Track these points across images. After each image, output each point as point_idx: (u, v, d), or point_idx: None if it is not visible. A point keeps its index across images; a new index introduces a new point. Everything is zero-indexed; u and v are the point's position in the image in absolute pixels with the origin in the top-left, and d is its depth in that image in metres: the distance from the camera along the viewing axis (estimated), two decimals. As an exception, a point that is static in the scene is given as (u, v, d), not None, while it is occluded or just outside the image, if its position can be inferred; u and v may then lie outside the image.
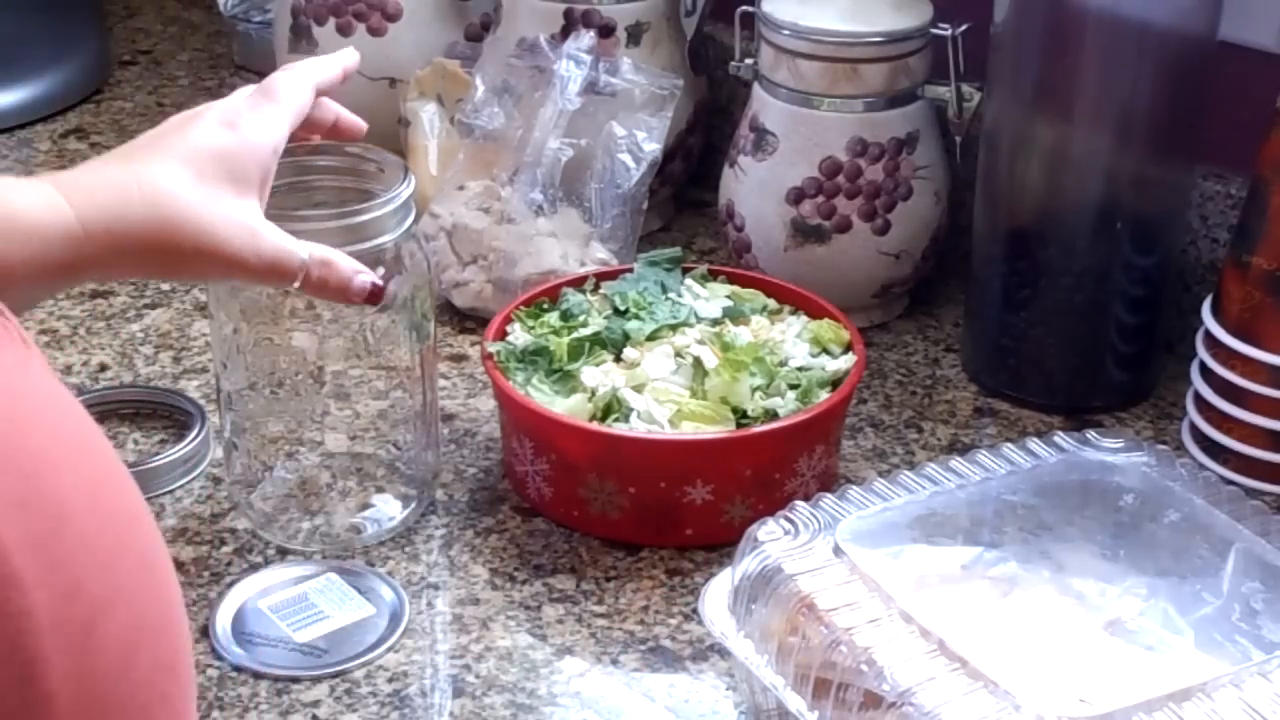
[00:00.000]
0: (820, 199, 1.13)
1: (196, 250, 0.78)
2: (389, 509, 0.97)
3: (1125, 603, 0.78)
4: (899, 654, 0.71)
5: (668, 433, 0.94)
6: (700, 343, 0.98)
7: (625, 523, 0.95)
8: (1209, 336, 1.00)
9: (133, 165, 0.78)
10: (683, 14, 1.27)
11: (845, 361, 0.99)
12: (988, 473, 0.84)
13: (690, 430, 0.94)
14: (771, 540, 0.78)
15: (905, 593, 0.75)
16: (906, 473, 0.84)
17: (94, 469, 0.49)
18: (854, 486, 0.83)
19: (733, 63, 1.18)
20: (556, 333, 1.00)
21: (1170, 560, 0.80)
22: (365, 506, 0.97)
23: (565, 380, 0.97)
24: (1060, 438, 0.86)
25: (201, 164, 0.78)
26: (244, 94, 0.84)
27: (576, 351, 0.98)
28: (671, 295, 1.03)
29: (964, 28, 1.10)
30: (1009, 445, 0.86)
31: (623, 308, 1.02)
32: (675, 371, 0.97)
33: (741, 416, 0.95)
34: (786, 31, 1.11)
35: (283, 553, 0.95)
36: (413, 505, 0.97)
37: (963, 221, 1.15)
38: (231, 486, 0.98)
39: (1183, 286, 1.10)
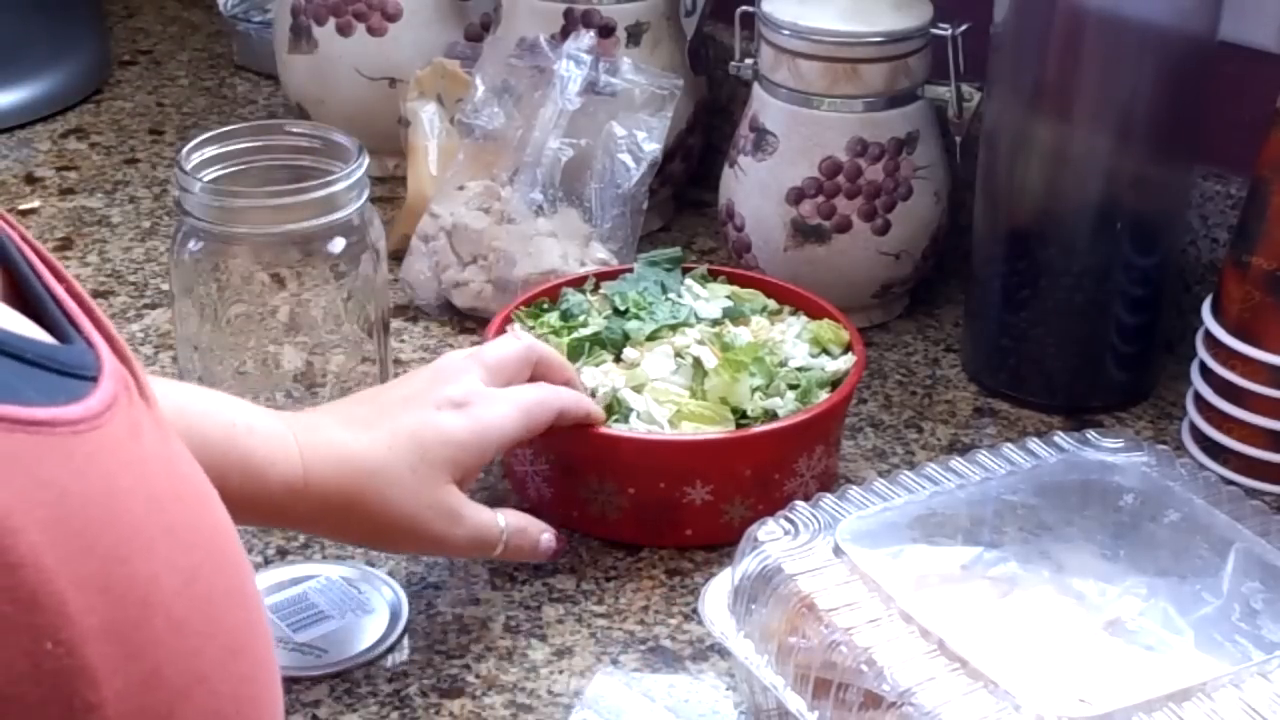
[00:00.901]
0: (820, 199, 1.13)
1: (401, 531, 0.84)
2: None
3: (1125, 603, 0.78)
4: (899, 654, 0.71)
5: (667, 433, 0.93)
6: (700, 343, 0.98)
7: (625, 523, 0.94)
8: (1209, 336, 1.00)
9: (364, 437, 0.82)
10: (683, 14, 1.27)
11: (845, 362, 0.98)
12: (988, 473, 0.84)
13: (690, 431, 0.94)
14: (771, 540, 0.78)
15: (905, 593, 0.75)
16: (906, 473, 0.84)
17: (195, 546, 0.47)
18: (854, 486, 0.83)
19: (733, 63, 1.18)
20: (556, 333, 1.00)
21: (1170, 560, 0.80)
22: None
23: None
24: (1060, 438, 0.86)
25: (429, 452, 0.83)
26: (495, 368, 0.88)
27: (576, 351, 0.98)
28: (671, 295, 1.03)
29: (964, 28, 1.10)
30: (1009, 445, 0.86)
31: (623, 308, 1.02)
32: (675, 372, 0.97)
33: (741, 417, 0.95)
34: (786, 31, 1.11)
35: (282, 553, 0.95)
36: None
37: (963, 221, 1.15)
38: None
39: (1183, 286, 1.10)
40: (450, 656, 0.87)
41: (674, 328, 1.00)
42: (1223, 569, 0.79)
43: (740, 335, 0.99)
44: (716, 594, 0.81)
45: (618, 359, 0.99)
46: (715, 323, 1.01)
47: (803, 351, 1.00)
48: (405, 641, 0.88)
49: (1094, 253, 1.05)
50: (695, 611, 0.87)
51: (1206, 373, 1.01)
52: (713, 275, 1.07)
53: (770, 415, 0.94)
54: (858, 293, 1.16)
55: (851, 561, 0.77)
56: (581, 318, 1.01)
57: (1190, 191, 1.08)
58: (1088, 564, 0.81)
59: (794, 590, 0.76)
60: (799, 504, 0.80)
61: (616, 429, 0.94)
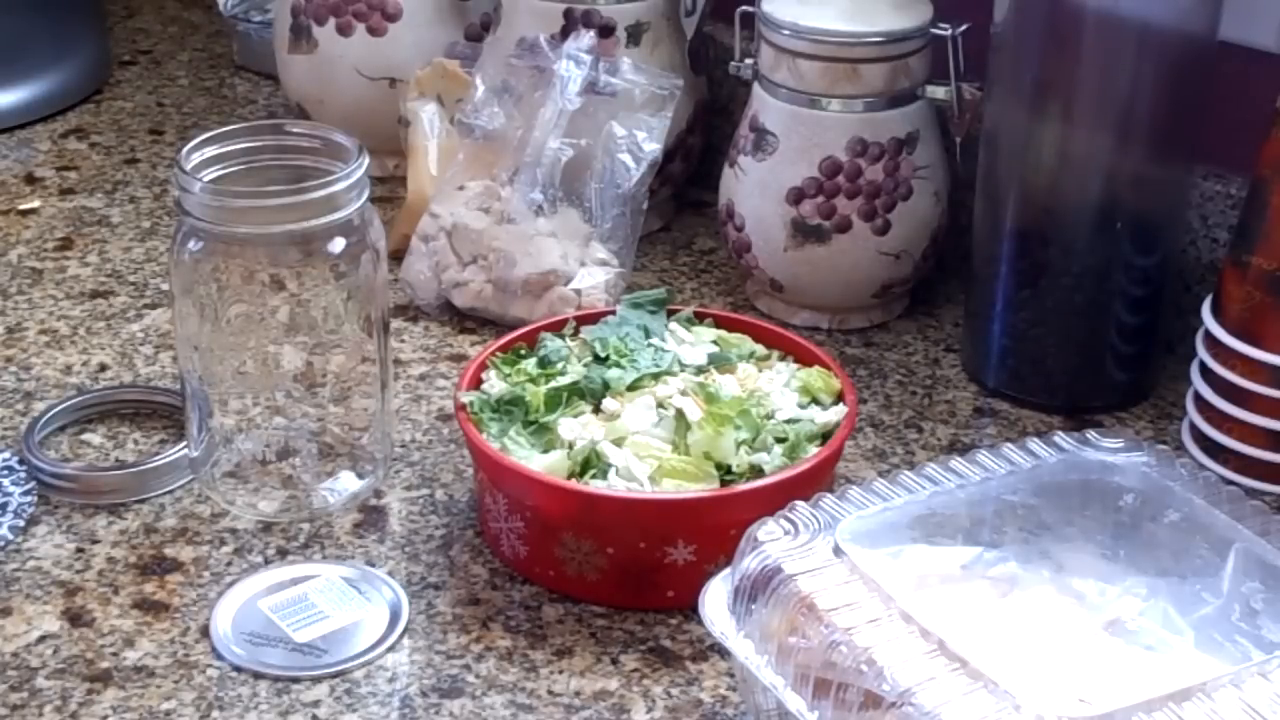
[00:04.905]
0: (820, 199, 1.13)
1: None
2: (347, 483, 0.99)
3: (1125, 603, 0.78)
4: (899, 654, 0.71)
5: (647, 491, 0.89)
6: (683, 393, 0.94)
7: (604, 584, 0.90)
8: (1209, 336, 1.00)
9: None
10: (683, 14, 1.27)
11: (836, 413, 0.94)
12: (988, 473, 0.84)
13: (671, 488, 0.89)
14: (771, 540, 0.78)
15: (905, 593, 0.75)
16: (906, 473, 0.84)
17: None
18: (854, 486, 0.82)
19: (733, 63, 1.18)
20: (533, 380, 0.95)
21: (1170, 560, 0.80)
22: (325, 479, 0.99)
23: (542, 433, 0.92)
24: (1060, 438, 0.86)
25: None
26: None
27: (554, 402, 0.94)
28: (655, 341, 0.99)
29: (964, 28, 1.10)
30: (1009, 445, 0.86)
31: (603, 354, 0.97)
32: (657, 424, 0.92)
33: (726, 473, 0.90)
34: (786, 31, 1.11)
35: (283, 553, 0.95)
36: (368, 480, 0.99)
37: (963, 221, 1.15)
38: (197, 466, 0.99)
39: (1183, 286, 1.10)
40: (450, 656, 0.87)
41: (656, 376, 0.95)
42: (1223, 569, 0.79)
43: (726, 384, 0.95)
44: (716, 594, 0.81)
45: (597, 410, 0.94)
46: (700, 370, 0.97)
47: (791, 402, 0.95)
48: (405, 641, 0.88)
49: (1094, 253, 1.05)
50: (695, 611, 0.87)
51: (1206, 373, 1.01)
52: (699, 318, 1.02)
53: (756, 471, 0.90)
54: (858, 293, 1.16)
55: (851, 561, 0.77)
56: (560, 364, 0.97)
57: (1190, 191, 1.08)
58: (1088, 564, 0.81)
59: (794, 590, 0.75)
60: (799, 504, 0.80)
61: (595, 486, 0.89)
